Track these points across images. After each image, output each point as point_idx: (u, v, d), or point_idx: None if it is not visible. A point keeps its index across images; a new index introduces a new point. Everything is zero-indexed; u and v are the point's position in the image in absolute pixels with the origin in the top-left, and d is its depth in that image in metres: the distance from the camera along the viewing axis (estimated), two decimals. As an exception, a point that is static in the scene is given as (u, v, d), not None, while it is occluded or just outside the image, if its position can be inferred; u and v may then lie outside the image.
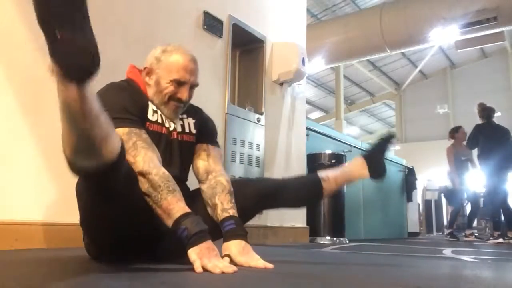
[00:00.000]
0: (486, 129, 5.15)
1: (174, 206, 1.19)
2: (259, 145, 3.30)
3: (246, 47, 3.47)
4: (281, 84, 3.60)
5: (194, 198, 1.42)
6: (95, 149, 0.97)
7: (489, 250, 3.38)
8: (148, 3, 2.55)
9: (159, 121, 1.41)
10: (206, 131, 1.56)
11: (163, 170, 1.25)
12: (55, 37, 0.77)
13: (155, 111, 1.41)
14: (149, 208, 1.22)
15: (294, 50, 3.52)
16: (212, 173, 1.46)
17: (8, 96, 1.88)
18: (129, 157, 1.22)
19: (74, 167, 1.02)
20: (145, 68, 1.44)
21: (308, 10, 9.19)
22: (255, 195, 1.51)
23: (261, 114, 3.34)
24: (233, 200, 1.39)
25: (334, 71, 13.44)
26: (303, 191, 1.63)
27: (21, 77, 1.93)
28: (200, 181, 1.48)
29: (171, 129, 1.44)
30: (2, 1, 1.90)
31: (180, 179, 1.43)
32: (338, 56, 9.18)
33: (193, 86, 1.44)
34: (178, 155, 1.45)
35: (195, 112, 1.56)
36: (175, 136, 1.45)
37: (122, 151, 1.06)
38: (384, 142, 1.71)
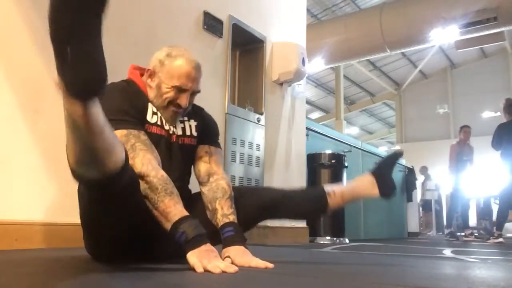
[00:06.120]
0: (508, 128, 5.06)
1: (172, 209, 1.18)
2: (259, 145, 3.30)
3: (246, 47, 3.47)
4: (281, 84, 3.60)
5: (194, 201, 1.42)
6: (98, 161, 0.96)
7: (489, 250, 3.38)
8: (148, 3, 2.55)
9: (159, 123, 1.40)
10: (208, 133, 1.54)
11: (162, 172, 1.24)
12: (65, 54, 0.75)
13: (154, 113, 1.40)
14: (149, 210, 1.21)
15: (294, 50, 3.52)
16: (214, 175, 1.45)
17: (8, 95, 1.87)
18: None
19: (76, 176, 1.02)
20: (148, 69, 1.42)
21: (308, 10, 9.21)
22: (258, 205, 1.50)
23: (261, 114, 3.34)
24: (233, 206, 1.38)
25: (334, 71, 13.43)
26: (307, 205, 1.59)
27: (21, 77, 1.93)
28: (200, 183, 1.47)
29: (171, 132, 1.43)
30: (2, 1, 1.90)
31: (181, 183, 1.42)
32: (338, 56, 9.19)
33: (194, 92, 1.42)
34: (178, 158, 1.44)
35: (197, 114, 1.54)
36: (176, 140, 1.44)
37: (126, 162, 1.05)
38: (392, 158, 1.67)
